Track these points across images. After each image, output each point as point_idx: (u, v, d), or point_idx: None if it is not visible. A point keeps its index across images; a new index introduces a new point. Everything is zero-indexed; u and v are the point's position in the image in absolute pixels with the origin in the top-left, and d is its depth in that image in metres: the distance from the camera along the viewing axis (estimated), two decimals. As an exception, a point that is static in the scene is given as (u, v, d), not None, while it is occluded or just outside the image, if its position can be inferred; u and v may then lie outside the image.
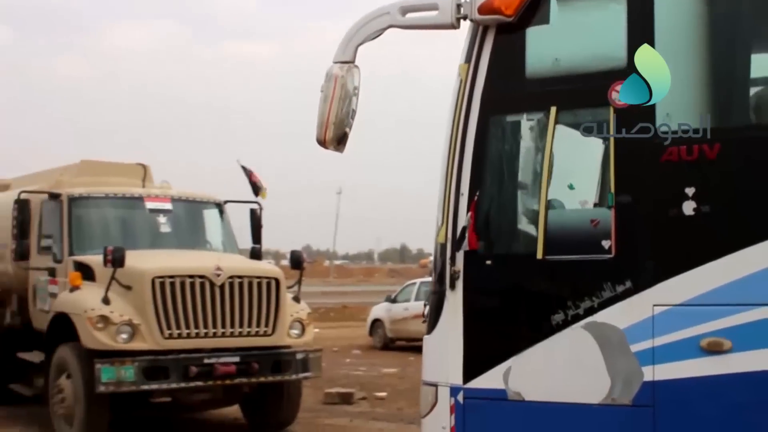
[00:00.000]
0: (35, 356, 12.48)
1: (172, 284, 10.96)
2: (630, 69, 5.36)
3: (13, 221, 12.37)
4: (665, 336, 5.22)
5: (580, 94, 5.63)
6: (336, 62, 5.96)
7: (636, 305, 5.30)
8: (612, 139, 5.46)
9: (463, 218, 5.79)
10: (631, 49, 5.39)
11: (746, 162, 5.18)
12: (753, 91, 5.56)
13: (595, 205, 5.81)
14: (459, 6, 5.86)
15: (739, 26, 5.55)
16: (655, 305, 5.25)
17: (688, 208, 5.20)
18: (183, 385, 10.82)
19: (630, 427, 5.33)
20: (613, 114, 5.43)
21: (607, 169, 5.49)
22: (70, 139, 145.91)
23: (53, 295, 11.98)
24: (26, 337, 13.17)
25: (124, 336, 10.71)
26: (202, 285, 11.05)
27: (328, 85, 5.90)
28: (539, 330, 5.57)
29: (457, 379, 5.79)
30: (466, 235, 5.75)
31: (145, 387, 10.69)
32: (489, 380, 5.70)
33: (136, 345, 10.76)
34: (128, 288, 10.95)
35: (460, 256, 5.80)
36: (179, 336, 10.95)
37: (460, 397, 5.79)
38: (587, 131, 5.67)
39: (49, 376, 11.58)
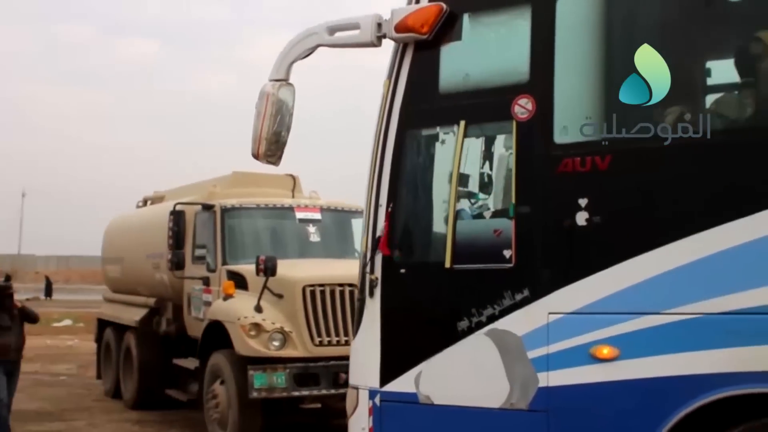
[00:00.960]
0: (190, 363, 13.03)
1: (322, 292, 11.30)
2: (532, 83, 5.70)
3: (169, 232, 12.85)
4: (559, 343, 5.46)
5: (486, 108, 5.93)
6: (270, 80, 6.41)
7: (533, 313, 5.56)
8: (514, 152, 5.75)
9: (381, 228, 6.19)
10: (534, 64, 5.71)
11: (635, 173, 5.40)
12: (644, 105, 5.67)
13: (499, 215, 6.02)
14: (379, 25, 6.22)
15: (633, 44, 5.71)
16: (550, 313, 5.50)
17: (581, 218, 5.44)
18: (333, 391, 11.14)
19: (527, 431, 5.60)
20: (516, 127, 5.71)
21: (510, 181, 5.78)
22: (219, 151, 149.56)
23: (207, 304, 12.47)
24: (181, 344, 13.63)
25: (276, 343, 11.08)
26: (351, 293, 11.27)
27: (260, 102, 6.36)
28: (447, 336, 5.88)
29: (375, 382, 6.16)
30: (379, 244, 6.15)
31: (296, 393, 11.08)
32: (402, 384, 6.03)
33: (288, 352, 11.17)
34: (280, 296, 11.34)
35: (378, 265, 6.21)
36: (329, 343, 11.29)
37: (377, 400, 6.15)
38: (492, 144, 5.98)
39: (204, 382, 12.07)
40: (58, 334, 30.38)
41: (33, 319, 12.06)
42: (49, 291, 54.47)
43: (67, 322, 34.93)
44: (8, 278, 12.39)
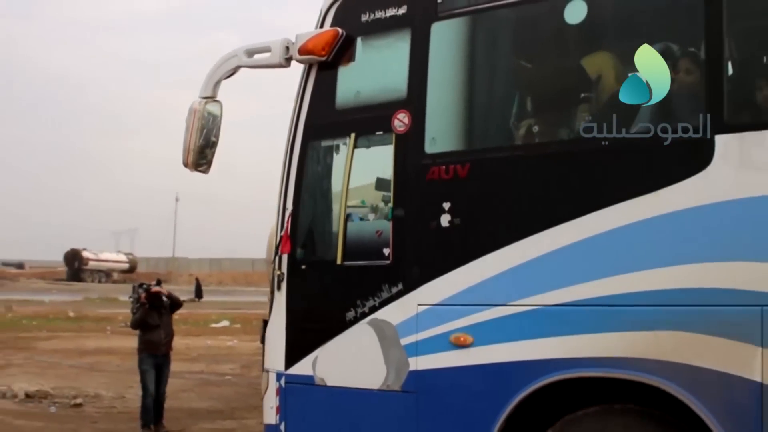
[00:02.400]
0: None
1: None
2: (409, 99, 6.49)
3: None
4: (425, 332, 6.25)
5: (372, 122, 6.70)
6: (199, 97, 7.25)
7: (405, 305, 6.37)
8: (393, 161, 6.54)
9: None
10: (411, 82, 6.50)
11: (489, 179, 6.17)
12: (501, 119, 6.49)
13: (380, 218, 6.75)
14: (287, 48, 7.06)
15: (495, 65, 6.58)
16: (419, 305, 6.31)
17: (445, 220, 6.23)
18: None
19: (400, 410, 6.38)
20: (395, 139, 6.51)
21: (390, 187, 6.59)
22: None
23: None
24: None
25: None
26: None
27: (189, 118, 7.18)
28: (337, 325, 6.71)
29: (281, 366, 7.04)
30: (281, 242, 7.02)
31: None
32: (302, 368, 6.89)
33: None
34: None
35: (284, 262, 7.04)
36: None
37: (282, 382, 7.03)
38: (377, 154, 6.69)
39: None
40: (217, 335, 31.28)
41: (178, 303, 13.47)
42: (198, 292, 55.98)
43: (225, 323, 35.86)
44: (159, 282, 13.59)
